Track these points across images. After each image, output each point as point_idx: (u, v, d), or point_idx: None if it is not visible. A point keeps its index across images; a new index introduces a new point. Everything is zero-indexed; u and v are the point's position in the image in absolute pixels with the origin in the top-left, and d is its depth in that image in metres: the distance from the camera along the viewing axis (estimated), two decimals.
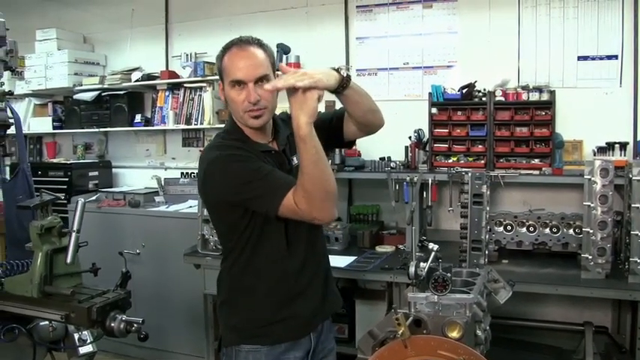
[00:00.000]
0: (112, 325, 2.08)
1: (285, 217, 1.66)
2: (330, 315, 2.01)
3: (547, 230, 3.16)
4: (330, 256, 3.37)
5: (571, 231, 3.11)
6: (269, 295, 1.81)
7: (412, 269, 1.62)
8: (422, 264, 1.64)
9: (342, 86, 1.67)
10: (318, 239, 1.95)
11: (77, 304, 2.06)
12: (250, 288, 1.83)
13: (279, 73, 1.69)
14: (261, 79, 1.71)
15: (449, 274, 1.52)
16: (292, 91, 1.56)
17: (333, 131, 1.92)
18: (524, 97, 3.37)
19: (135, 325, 2.08)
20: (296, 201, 1.59)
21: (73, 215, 2.17)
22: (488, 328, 1.82)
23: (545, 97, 3.34)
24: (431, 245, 1.70)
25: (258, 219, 1.74)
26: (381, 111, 1.92)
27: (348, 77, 1.68)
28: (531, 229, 3.18)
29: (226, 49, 1.78)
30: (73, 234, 2.14)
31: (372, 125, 1.92)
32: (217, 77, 2.04)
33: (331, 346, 2.00)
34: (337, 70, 1.66)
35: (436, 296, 1.52)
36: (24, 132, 4.92)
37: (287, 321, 1.81)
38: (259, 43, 1.78)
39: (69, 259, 2.14)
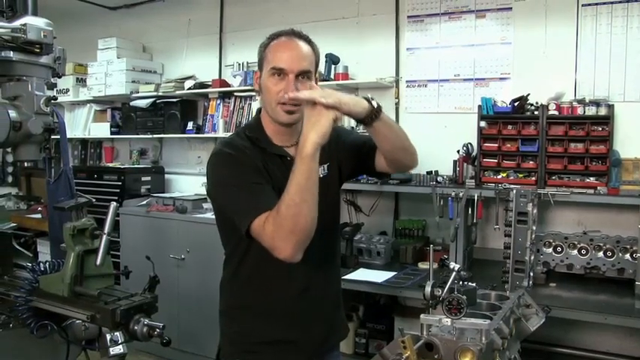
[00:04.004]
0: (135, 328, 2.08)
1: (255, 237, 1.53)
2: (334, 345, 1.92)
3: (600, 254, 2.95)
4: (369, 271, 3.37)
5: (627, 256, 2.89)
6: (266, 315, 1.75)
7: (428, 289, 1.53)
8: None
9: (370, 117, 1.56)
10: (332, 264, 1.84)
11: (103, 305, 2.08)
12: (247, 305, 1.78)
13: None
14: (303, 75, 1.63)
15: (464, 297, 1.42)
16: (310, 106, 1.48)
17: (364, 156, 1.79)
18: (579, 111, 3.16)
19: (157, 330, 2.08)
20: (265, 222, 1.47)
21: (105, 218, 2.20)
22: (515, 356, 1.70)
23: (602, 111, 3.12)
24: (452, 264, 1.60)
25: None
26: (416, 152, 1.76)
27: (379, 108, 1.57)
28: (583, 251, 2.98)
29: (274, 37, 1.70)
30: (104, 236, 2.16)
31: (400, 165, 1.76)
32: None
33: None
34: (368, 100, 1.56)
35: (449, 320, 1.42)
36: (85, 137, 5.19)
37: (283, 345, 1.75)
38: (308, 40, 1.71)
39: (98, 261, 2.16)
